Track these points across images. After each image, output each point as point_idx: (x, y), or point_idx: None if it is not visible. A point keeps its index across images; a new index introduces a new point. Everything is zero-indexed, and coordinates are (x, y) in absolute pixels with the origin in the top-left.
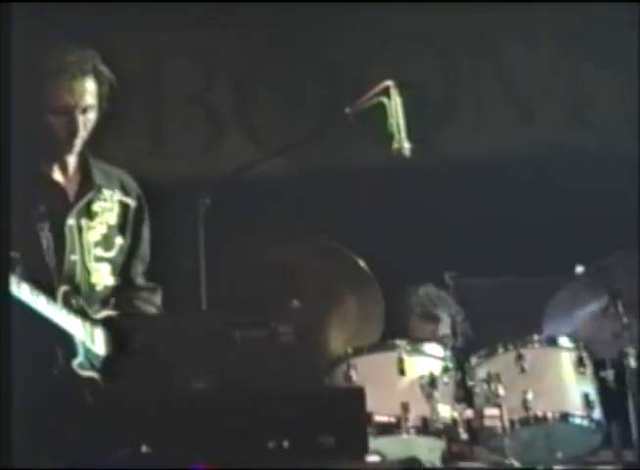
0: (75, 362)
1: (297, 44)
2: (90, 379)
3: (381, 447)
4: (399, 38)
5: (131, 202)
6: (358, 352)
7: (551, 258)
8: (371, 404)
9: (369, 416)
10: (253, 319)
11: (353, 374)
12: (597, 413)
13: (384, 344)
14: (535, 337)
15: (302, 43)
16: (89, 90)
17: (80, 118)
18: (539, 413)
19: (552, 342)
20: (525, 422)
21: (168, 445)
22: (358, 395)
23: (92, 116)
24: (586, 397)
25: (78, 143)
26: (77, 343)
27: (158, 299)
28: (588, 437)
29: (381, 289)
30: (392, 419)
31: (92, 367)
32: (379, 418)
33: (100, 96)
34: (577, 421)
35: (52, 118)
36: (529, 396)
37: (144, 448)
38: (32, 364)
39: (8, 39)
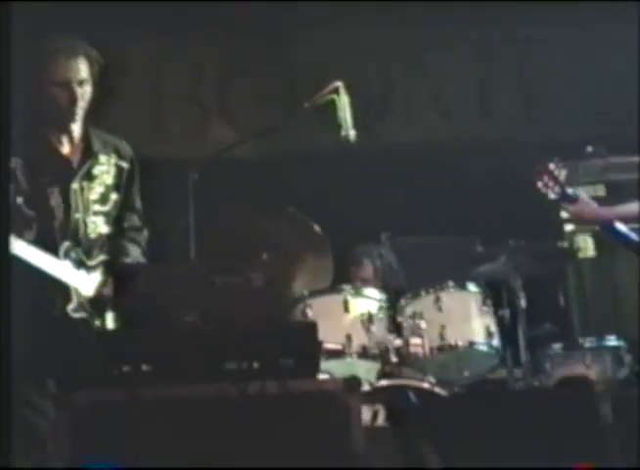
0: (69, 307)
1: (268, 52)
2: (82, 320)
3: (329, 369)
4: (349, 48)
5: (125, 164)
6: (313, 294)
7: (462, 223)
8: (322, 335)
9: (320, 344)
10: (231, 268)
11: (309, 311)
12: (495, 341)
13: (333, 288)
14: (450, 283)
15: (272, 52)
16: (82, 67)
17: (78, 90)
18: (452, 342)
19: (462, 287)
20: (441, 349)
21: (164, 364)
22: (312, 328)
23: (88, 88)
24: (488, 329)
25: (79, 112)
26: (72, 291)
27: (143, 238)
28: (488, 359)
29: (330, 247)
30: (339, 346)
31: (83, 310)
32: (328, 346)
33: (92, 73)
34: (480, 348)
35: (55, 90)
36: (445, 329)
37: (144, 367)
38: (36, 310)
39: (8, 31)
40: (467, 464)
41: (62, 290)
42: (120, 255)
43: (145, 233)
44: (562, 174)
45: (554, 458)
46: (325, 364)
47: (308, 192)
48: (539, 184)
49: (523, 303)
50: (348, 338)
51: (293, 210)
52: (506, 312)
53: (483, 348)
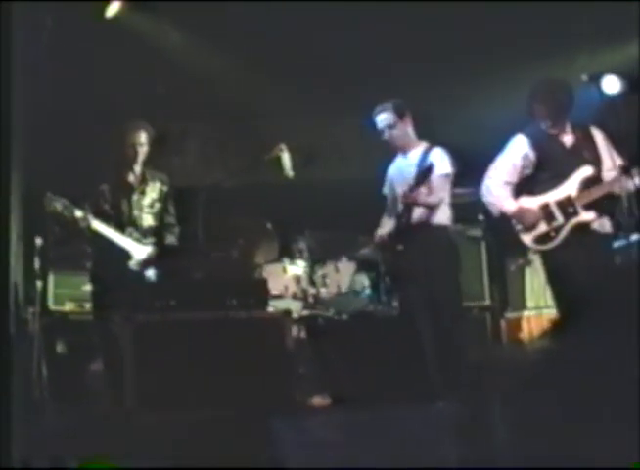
0: (130, 262)
1: (246, 127)
2: (137, 271)
3: (274, 305)
4: (288, 125)
5: (165, 188)
6: (266, 263)
7: (349, 224)
8: (270, 286)
9: (269, 291)
10: (221, 247)
11: (263, 273)
12: (367, 290)
13: (277, 260)
14: (343, 257)
15: (247, 127)
16: (142, 136)
17: (139, 148)
18: (343, 291)
19: (350, 260)
20: (337, 294)
21: (183, 300)
22: (264, 282)
23: (145, 148)
24: (363, 283)
25: (139, 159)
26: (132, 254)
27: (176, 231)
28: (363, 301)
29: (276, 237)
30: (279, 292)
31: (137, 265)
32: (274, 292)
33: (148, 139)
34: (359, 294)
35: (128, 148)
36: (339, 283)
37: (172, 302)
38: (116, 262)
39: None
40: (348, 357)
41: (127, 254)
42: (162, 240)
43: (177, 229)
44: None
45: (392, 349)
46: (272, 302)
47: (264, 206)
48: None
49: (382, 269)
50: (285, 288)
51: (256, 217)
52: (373, 275)
53: (361, 294)
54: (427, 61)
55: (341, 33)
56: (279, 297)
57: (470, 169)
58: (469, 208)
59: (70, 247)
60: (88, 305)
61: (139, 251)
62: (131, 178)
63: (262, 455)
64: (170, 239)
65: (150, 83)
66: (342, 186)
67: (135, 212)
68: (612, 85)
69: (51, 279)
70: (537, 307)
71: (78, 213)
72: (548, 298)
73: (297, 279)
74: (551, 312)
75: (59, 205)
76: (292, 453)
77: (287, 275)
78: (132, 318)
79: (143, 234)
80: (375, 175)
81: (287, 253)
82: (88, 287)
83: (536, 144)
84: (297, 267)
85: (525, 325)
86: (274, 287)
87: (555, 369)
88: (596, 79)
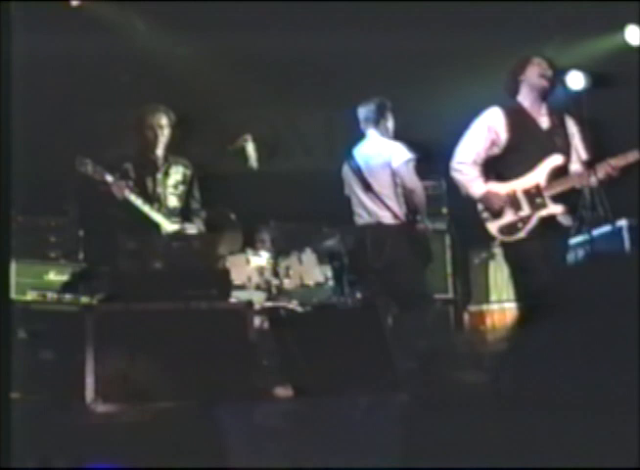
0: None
1: (211, 119)
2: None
3: (237, 296)
4: (254, 116)
5: (188, 171)
6: (229, 253)
7: (312, 216)
8: (233, 276)
9: (231, 282)
10: (183, 237)
11: (226, 263)
12: (331, 282)
13: (240, 250)
14: (307, 249)
15: (214, 118)
16: (163, 119)
17: (159, 131)
18: (306, 282)
19: (314, 251)
20: (301, 286)
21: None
22: (227, 272)
23: (166, 131)
24: (326, 275)
25: (161, 143)
26: (160, 225)
27: (203, 215)
28: (326, 292)
29: (241, 228)
30: (242, 283)
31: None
32: (236, 283)
33: (169, 123)
34: (322, 286)
35: (149, 131)
36: (303, 275)
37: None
38: (144, 232)
39: None
40: (310, 349)
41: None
42: (188, 222)
43: (203, 213)
44: None
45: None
46: (234, 293)
47: (229, 196)
48: None
49: (346, 261)
50: (249, 279)
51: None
52: (337, 265)
53: (324, 286)
54: (393, 51)
55: (307, 24)
56: (242, 287)
57: (432, 162)
58: (432, 200)
59: (33, 235)
60: (50, 295)
61: (168, 226)
62: (154, 157)
63: (223, 446)
64: (197, 223)
65: (113, 71)
66: (307, 177)
67: (159, 190)
68: (576, 81)
69: (13, 268)
70: (500, 301)
71: (108, 178)
72: (511, 291)
73: (261, 270)
74: (513, 306)
75: (90, 167)
76: (251, 444)
77: (250, 266)
78: (94, 308)
79: (169, 213)
80: (340, 167)
81: (250, 243)
82: (51, 276)
83: (512, 118)
84: (261, 258)
85: (487, 318)
86: (237, 278)
87: (516, 362)
88: (561, 74)
